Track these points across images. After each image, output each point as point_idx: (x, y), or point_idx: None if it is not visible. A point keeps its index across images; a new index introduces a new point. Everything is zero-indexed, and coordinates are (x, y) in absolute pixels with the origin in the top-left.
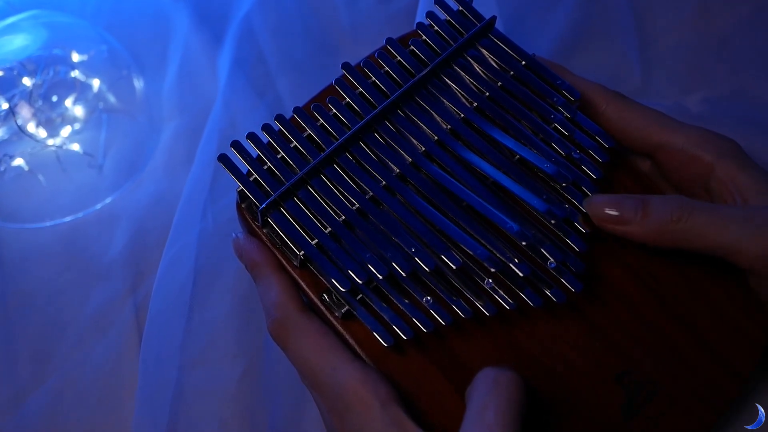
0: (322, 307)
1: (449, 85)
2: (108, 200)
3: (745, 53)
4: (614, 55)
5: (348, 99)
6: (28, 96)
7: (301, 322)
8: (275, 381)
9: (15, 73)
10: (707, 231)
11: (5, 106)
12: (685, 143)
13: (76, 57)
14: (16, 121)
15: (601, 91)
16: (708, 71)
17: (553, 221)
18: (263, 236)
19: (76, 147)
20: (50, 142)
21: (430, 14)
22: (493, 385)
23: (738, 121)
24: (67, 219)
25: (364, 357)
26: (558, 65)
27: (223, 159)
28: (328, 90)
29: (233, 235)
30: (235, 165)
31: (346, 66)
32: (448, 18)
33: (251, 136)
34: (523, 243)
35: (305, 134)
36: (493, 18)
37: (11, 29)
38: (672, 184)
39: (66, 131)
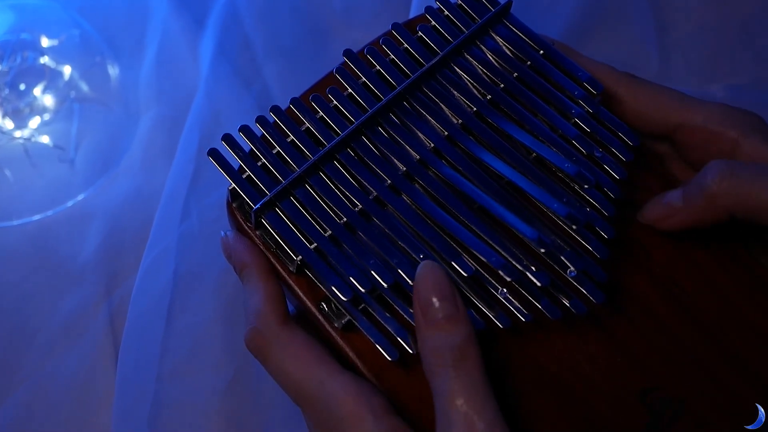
0: (320, 318)
1: (461, 76)
2: (80, 197)
3: None
4: (629, 41)
5: (350, 89)
6: None
7: (282, 336)
8: (265, 393)
9: None
10: (753, 186)
11: None
12: (706, 120)
13: (45, 42)
14: None
15: (610, 72)
16: (730, 58)
17: (573, 226)
18: (256, 239)
19: (45, 139)
20: (17, 134)
21: None
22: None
23: (762, 109)
24: (36, 217)
25: (365, 372)
26: (563, 44)
27: (213, 154)
28: (328, 79)
29: (222, 233)
30: (226, 160)
31: (347, 53)
32: (460, 2)
33: (244, 129)
34: (542, 250)
35: (303, 127)
36: (509, 2)
37: None
38: (694, 167)
39: (35, 122)
